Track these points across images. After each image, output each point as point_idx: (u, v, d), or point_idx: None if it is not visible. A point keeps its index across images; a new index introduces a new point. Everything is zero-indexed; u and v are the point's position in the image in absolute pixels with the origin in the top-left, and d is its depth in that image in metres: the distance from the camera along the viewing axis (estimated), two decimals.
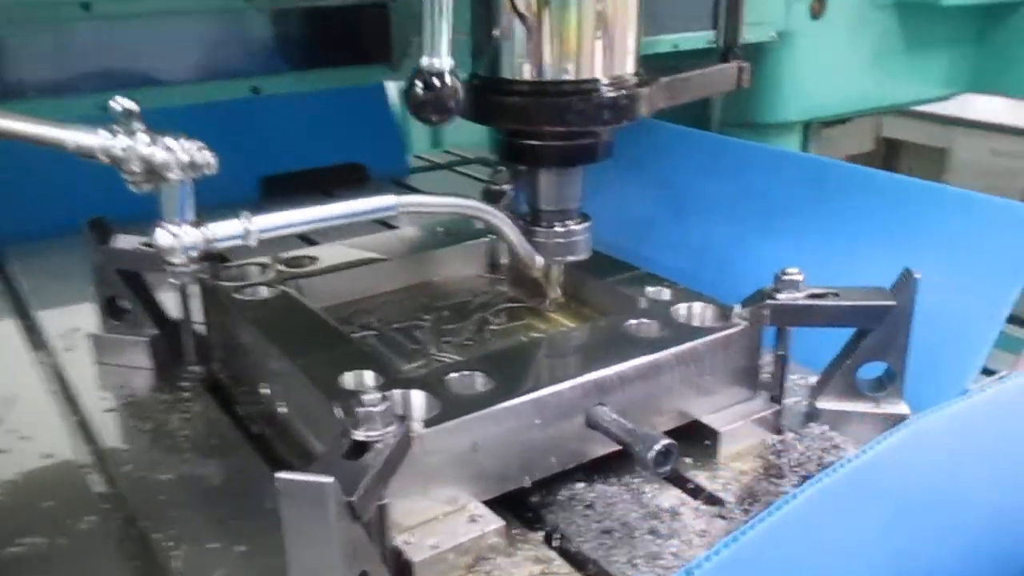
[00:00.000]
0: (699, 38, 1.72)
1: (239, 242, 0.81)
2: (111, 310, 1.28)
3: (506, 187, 1.45)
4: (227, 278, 1.22)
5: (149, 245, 1.21)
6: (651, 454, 0.87)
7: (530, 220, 1.14)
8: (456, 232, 1.39)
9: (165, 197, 0.76)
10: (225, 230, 0.79)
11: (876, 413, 1.04)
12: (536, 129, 1.06)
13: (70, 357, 1.32)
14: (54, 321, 1.43)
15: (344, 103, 1.91)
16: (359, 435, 0.76)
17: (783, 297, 1.02)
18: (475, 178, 2.26)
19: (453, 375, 0.93)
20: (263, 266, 1.24)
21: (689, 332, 1.02)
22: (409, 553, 0.82)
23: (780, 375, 1.07)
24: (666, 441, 0.87)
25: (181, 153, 0.73)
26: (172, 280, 0.74)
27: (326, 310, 1.21)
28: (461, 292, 1.29)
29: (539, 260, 1.10)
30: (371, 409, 0.76)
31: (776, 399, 1.08)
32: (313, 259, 1.27)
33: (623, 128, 1.09)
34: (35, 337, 1.40)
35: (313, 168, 2.20)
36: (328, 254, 1.29)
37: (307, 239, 1.58)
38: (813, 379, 1.11)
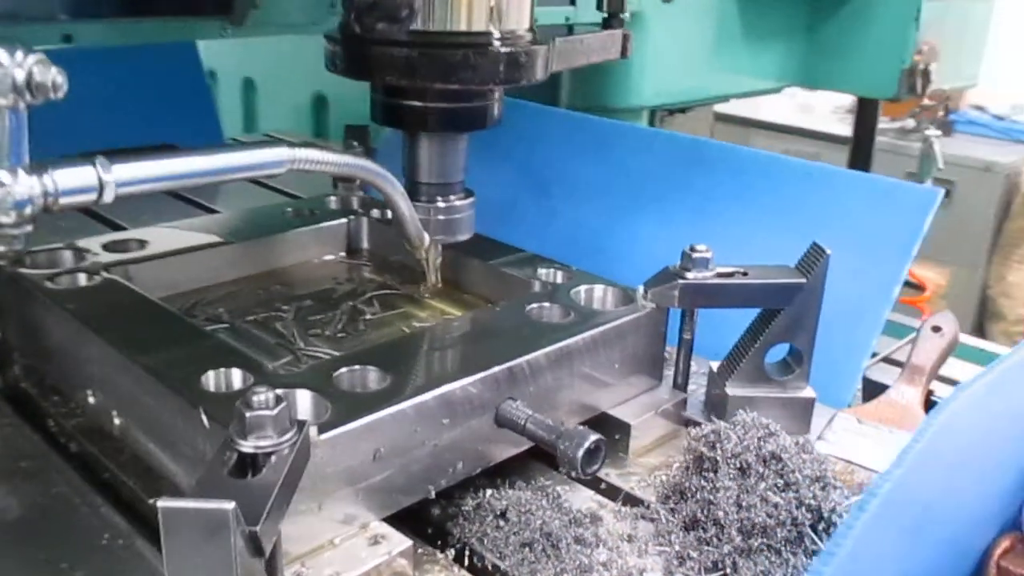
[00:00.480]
0: (558, 13, 1.64)
1: (90, 198, 0.62)
2: None
3: None
4: (33, 265, 1.00)
5: None
6: (580, 452, 0.76)
7: (408, 194, 1.00)
8: (306, 213, 1.22)
9: None
10: (73, 179, 0.60)
11: (784, 397, 0.98)
12: (421, 87, 0.93)
13: None
14: None
15: (154, 66, 1.69)
16: (247, 446, 0.60)
17: (693, 276, 0.94)
18: None
19: (342, 370, 0.78)
20: (78, 251, 1.03)
21: (596, 316, 0.92)
22: None
23: (686, 361, 0.99)
24: (595, 437, 0.77)
25: (14, 68, 0.54)
26: None
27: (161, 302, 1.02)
28: (320, 279, 1.13)
29: (427, 239, 0.97)
30: (263, 413, 0.61)
31: (682, 387, 1.00)
32: (142, 243, 1.07)
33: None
34: None
35: (117, 149, 1.94)
36: (158, 237, 1.09)
37: (112, 224, 1.36)
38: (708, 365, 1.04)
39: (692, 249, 0.95)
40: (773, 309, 0.97)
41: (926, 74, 2.03)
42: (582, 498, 0.87)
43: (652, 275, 0.98)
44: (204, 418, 0.70)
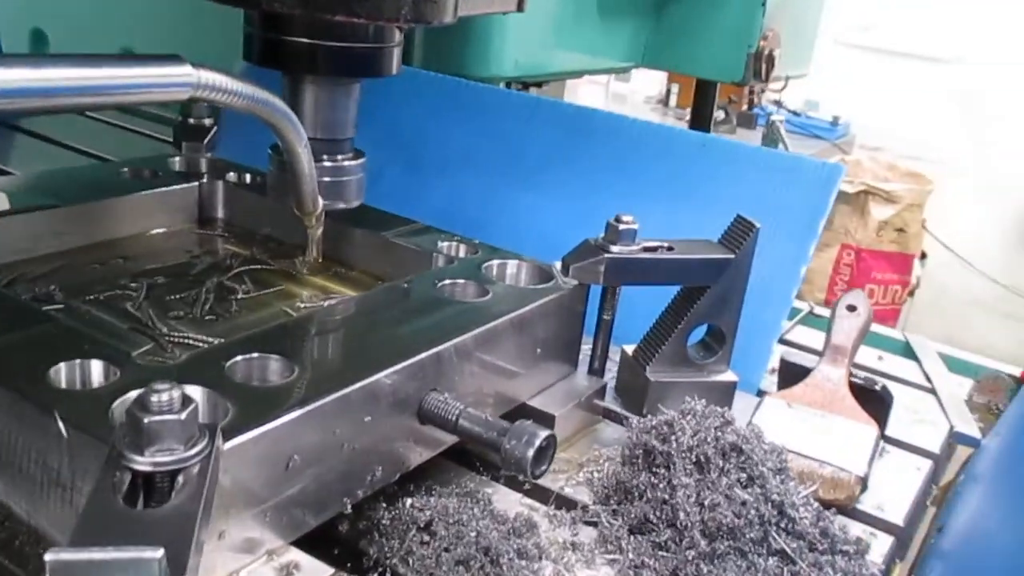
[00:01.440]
0: None
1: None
2: None
3: (207, 121, 1.12)
4: None
5: None
6: (530, 452, 0.65)
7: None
8: (147, 174, 1.03)
9: None
10: None
11: (706, 382, 0.91)
12: (311, 20, 0.78)
13: None
14: None
15: None
16: (143, 463, 0.45)
17: (619, 250, 0.85)
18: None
19: (237, 359, 0.62)
20: None
21: (518, 295, 0.81)
22: None
23: (604, 345, 0.90)
24: (545, 434, 0.66)
25: None
26: None
27: None
28: (170, 252, 0.95)
29: (321, 203, 0.82)
30: (165, 418, 0.45)
31: (598, 373, 0.91)
32: None
33: None
34: None
35: None
36: None
37: None
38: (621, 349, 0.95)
39: (618, 220, 0.86)
40: (695, 287, 0.89)
41: (771, 59, 2.06)
42: (509, 503, 0.75)
43: (555, 251, 0.88)
44: (60, 424, 0.53)
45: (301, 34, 0.79)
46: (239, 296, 0.86)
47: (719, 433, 0.72)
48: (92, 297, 0.81)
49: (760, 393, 0.98)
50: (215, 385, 0.59)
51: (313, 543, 0.65)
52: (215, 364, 0.62)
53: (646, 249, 0.87)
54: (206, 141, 1.10)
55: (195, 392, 0.58)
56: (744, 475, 0.70)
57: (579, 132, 1.24)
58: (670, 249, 0.88)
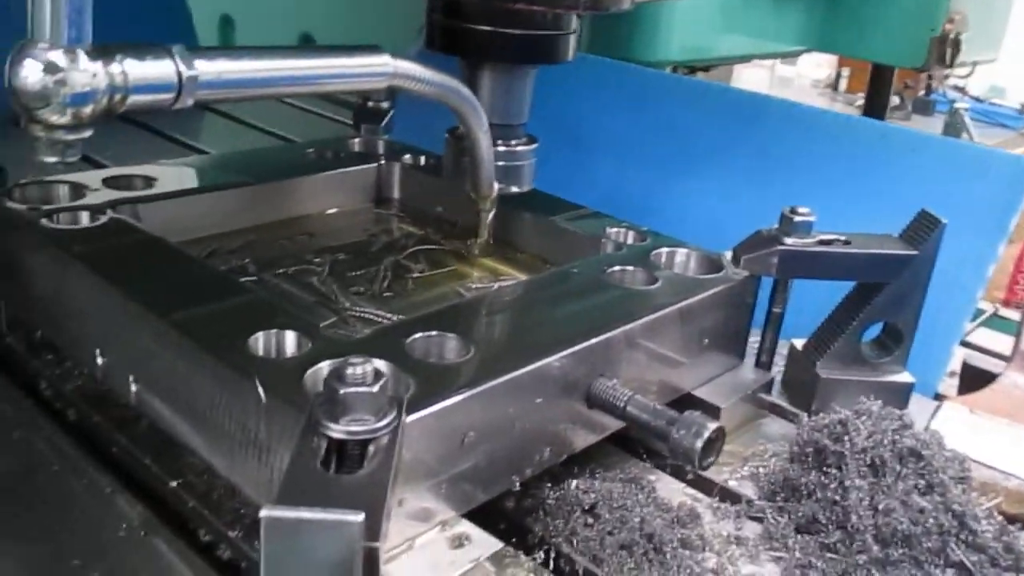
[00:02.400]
0: None
1: (165, 98, 0.47)
2: None
3: (384, 105, 1.16)
4: (22, 199, 0.85)
5: None
6: (699, 443, 0.65)
7: (463, 135, 0.87)
8: (328, 156, 1.08)
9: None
10: (147, 71, 0.45)
11: (879, 382, 0.88)
12: (490, 7, 0.79)
13: None
14: None
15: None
16: (338, 431, 0.48)
17: (792, 242, 0.83)
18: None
19: (416, 336, 0.65)
20: (76, 186, 0.88)
21: (688, 284, 0.81)
22: None
23: (773, 338, 0.88)
24: (715, 425, 0.66)
25: None
26: (44, 158, 0.41)
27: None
28: (350, 230, 0.99)
29: (497, 187, 0.84)
30: (360, 390, 0.48)
31: (766, 367, 0.89)
32: (148, 180, 0.93)
33: None
34: None
35: None
36: (164, 175, 0.95)
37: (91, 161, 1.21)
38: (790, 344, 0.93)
39: (793, 211, 0.84)
40: (872, 283, 0.86)
41: (956, 44, 1.94)
42: (672, 492, 0.75)
43: (720, 240, 0.87)
44: (260, 390, 0.57)
45: (481, 21, 0.81)
46: (414, 275, 0.89)
47: (896, 436, 0.69)
48: (281, 271, 0.87)
49: (938, 397, 0.94)
50: (397, 360, 0.62)
51: (481, 518, 0.68)
52: (397, 340, 0.65)
53: (822, 242, 0.84)
54: (383, 124, 1.14)
55: (381, 366, 0.62)
56: (923, 482, 0.67)
57: (749, 119, 1.21)
58: (847, 243, 0.85)
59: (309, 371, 0.59)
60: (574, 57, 0.88)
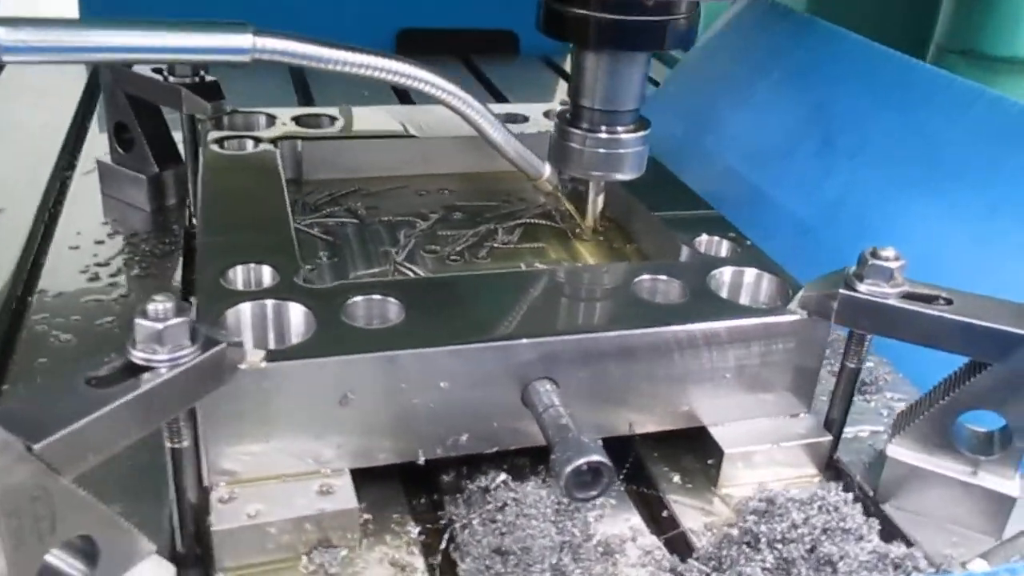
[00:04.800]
0: None
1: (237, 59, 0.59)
2: (120, 139, 1.14)
3: None
4: (230, 126, 1.03)
5: (160, 73, 1.05)
6: (568, 469, 0.60)
7: (569, 118, 0.86)
8: (520, 119, 1.12)
9: None
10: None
11: (968, 483, 0.70)
12: None
13: (85, 181, 1.21)
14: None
15: None
16: (137, 356, 0.55)
17: (865, 289, 0.69)
18: None
19: (357, 298, 0.69)
20: (271, 117, 1.05)
21: (716, 308, 0.73)
22: (213, 519, 0.62)
23: (844, 397, 0.75)
24: (594, 458, 0.60)
25: None
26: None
27: (320, 184, 1.01)
28: (500, 193, 1.03)
29: (547, 171, 0.82)
30: (151, 324, 0.55)
31: (836, 424, 0.76)
32: (333, 119, 1.06)
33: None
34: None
35: (458, 28, 1.98)
36: (354, 117, 1.07)
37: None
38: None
39: (874, 253, 0.70)
40: (979, 361, 0.69)
41: None
42: (619, 520, 0.70)
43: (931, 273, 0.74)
44: (193, 308, 0.67)
45: (578, 5, 0.79)
46: (495, 244, 0.91)
47: (821, 537, 0.57)
48: (386, 219, 0.94)
49: None
50: (321, 312, 0.67)
51: (416, 481, 0.71)
52: (346, 296, 0.69)
53: (909, 295, 0.69)
54: None
55: (297, 311, 0.68)
56: None
57: (1018, 137, 0.99)
58: (948, 303, 0.69)
59: (231, 309, 0.67)
60: (690, 45, 0.82)
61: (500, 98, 1.73)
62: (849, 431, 0.81)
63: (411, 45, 1.93)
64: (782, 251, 1.01)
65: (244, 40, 0.60)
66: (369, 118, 1.09)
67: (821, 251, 1.08)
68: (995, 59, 1.40)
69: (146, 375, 0.54)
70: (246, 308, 0.68)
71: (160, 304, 0.55)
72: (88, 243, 1.04)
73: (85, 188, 1.18)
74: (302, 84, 1.72)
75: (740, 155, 1.25)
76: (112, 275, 0.97)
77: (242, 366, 0.60)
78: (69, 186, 1.19)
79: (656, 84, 1.63)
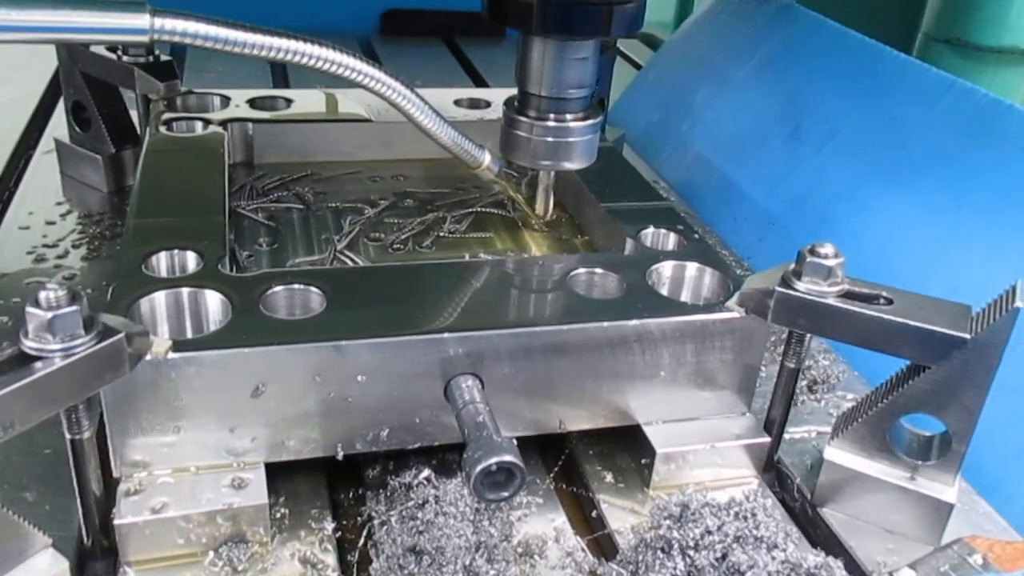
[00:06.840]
0: None
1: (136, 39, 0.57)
2: (77, 118, 1.12)
3: None
4: (184, 107, 1.01)
5: (114, 51, 1.03)
6: (477, 469, 0.58)
7: (517, 106, 0.84)
8: (483, 104, 1.10)
9: None
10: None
11: (906, 488, 0.68)
12: None
13: (44, 160, 1.19)
14: None
15: None
16: (28, 345, 0.54)
17: (803, 287, 0.67)
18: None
19: (277, 288, 0.68)
20: (225, 99, 1.03)
21: (651, 304, 0.70)
22: (117, 512, 0.60)
23: (784, 397, 0.73)
24: (505, 459, 0.58)
25: None
26: None
27: (271, 167, 0.99)
28: (456, 180, 1.01)
29: (486, 159, 0.80)
30: (42, 313, 0.53)
31: (775, 425, 0.74)
32: (289, 101, 1.04)
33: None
34: None
35: (444, 9, 1.96)
36: (309, 100, 1.05)
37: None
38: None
39: (812, 250, 0.67)
40: (917, 363, 0.66)
41: None
42: (544, 520, 0.69)
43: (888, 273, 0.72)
44: (109, 294, 0.65)
45: None
46: (441, 234, 0.89)
47: (732, 546, 0.55)
48: (334, 205, 0.92)
49: None
50: (240, 300, 0.65)
51: (342, 474, 0.69)
52: (268, 285, 0.68)
53: (849, 295, 0.67)
54: None
55: (214, 299, 0.66)
56: None
57: (986, 129, 0.96)
58: (889, 302, 0.67)
59: (145, 297, 0.65)
60: (636, 30, 0.79)
61: (480, 81, 1.70)
62: (795, 431, 0.79)
63: (396, 25, 1.90)
64: (749, 243, 0.99)
65: (141, 20, 0.58)
66: (340, 102, 1.07)
67: (788, 242, 1.06)
68: (982, 48, 1.36)
69: (38, 364, 0.53)
70: (160, 297, 0.66)
71: (52, 292, 0.53)
72: (39, 223, 1.02)
73: (44, 168, 1.16)
74: (281, 66, 1.70)
75: (713, 143, 1.22)
76: (59, 256, 0.96)
77: (147, 356, 0.59)
78: (28, 166, 1.18)
79: (639, 67, 1.60)
